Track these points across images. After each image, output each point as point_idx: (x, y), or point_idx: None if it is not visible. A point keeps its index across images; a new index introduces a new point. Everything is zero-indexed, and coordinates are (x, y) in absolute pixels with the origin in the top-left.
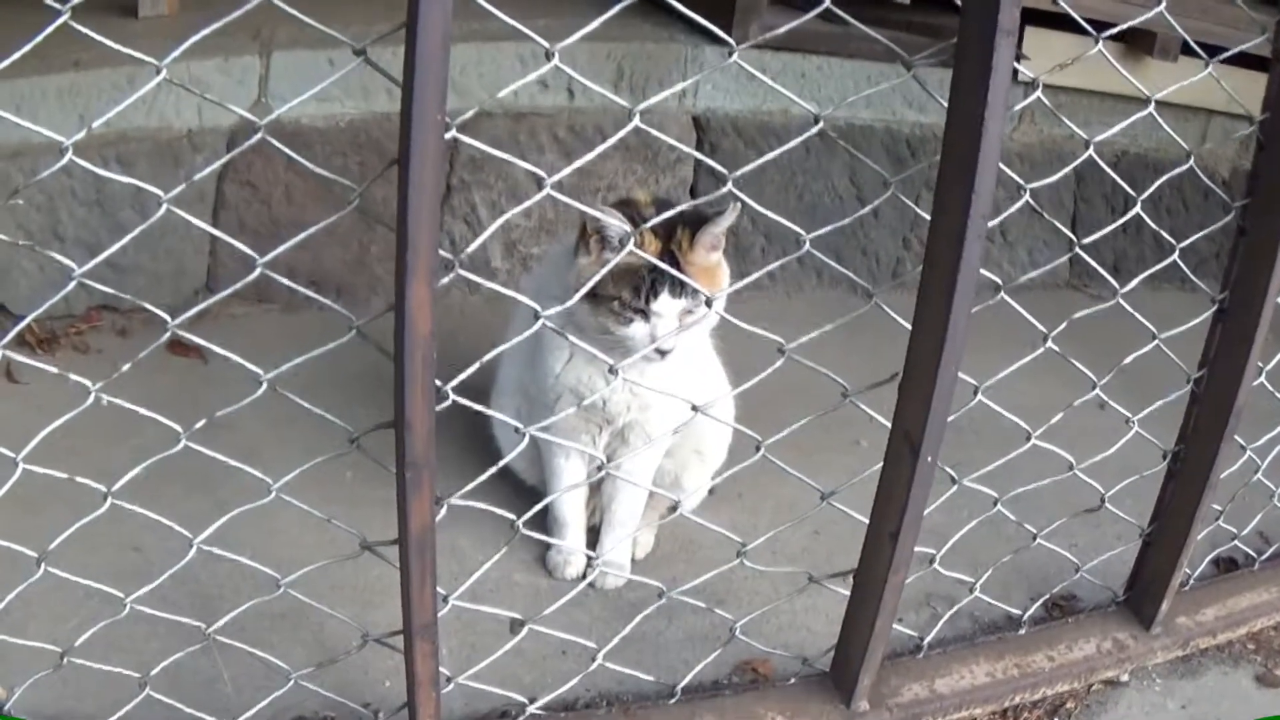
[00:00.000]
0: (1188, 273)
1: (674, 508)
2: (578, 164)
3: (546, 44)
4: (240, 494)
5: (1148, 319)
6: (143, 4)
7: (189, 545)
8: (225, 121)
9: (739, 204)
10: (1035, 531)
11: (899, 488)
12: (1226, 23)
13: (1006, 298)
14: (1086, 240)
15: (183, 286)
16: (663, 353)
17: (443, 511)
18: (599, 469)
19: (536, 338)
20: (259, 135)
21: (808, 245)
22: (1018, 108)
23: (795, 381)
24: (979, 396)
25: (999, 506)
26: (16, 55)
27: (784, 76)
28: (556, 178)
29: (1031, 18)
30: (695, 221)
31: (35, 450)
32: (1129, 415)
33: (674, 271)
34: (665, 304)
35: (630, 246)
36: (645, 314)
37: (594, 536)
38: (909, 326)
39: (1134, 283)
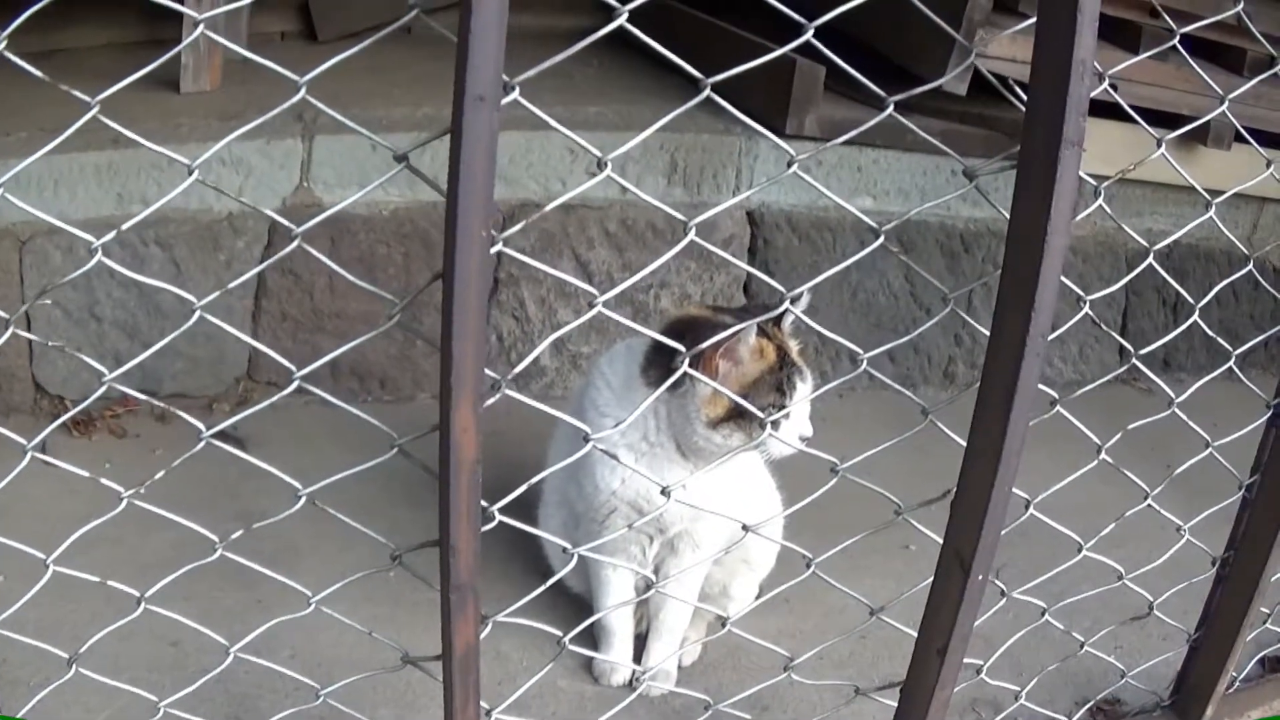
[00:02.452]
0: (1239, 375)
1: (723, 622)
2: (625, 285)
3: (598, 152)
4: (280, 591)
5: (1198, 412)
6: (184, 79)
7: (226, 650)
8: (267, 206)
9: (809, 295)
10: (1083, 640)
11: (948, 605)
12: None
13: (1062, 411)
14: (1144, 351)
15: (223, 374)
16: (807, 439)
17: (488, 629)
18: (648, 585)
19: (589, 454)
20: (294, 244)
21: (864, 364)
22: (1079, 217)
23: (845, 487)
24: (1030, 510)
25: (1047, 617)
26: (50, 146)
27: (840, 169)
28: (607, 295)
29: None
30: (776, 315)
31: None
32: (1180, 523)
33: (799, 361)
34: (800, 394)
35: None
36: (787, 412)
37: (640, 643)
38: (961, 442)
39: (1191, 389)
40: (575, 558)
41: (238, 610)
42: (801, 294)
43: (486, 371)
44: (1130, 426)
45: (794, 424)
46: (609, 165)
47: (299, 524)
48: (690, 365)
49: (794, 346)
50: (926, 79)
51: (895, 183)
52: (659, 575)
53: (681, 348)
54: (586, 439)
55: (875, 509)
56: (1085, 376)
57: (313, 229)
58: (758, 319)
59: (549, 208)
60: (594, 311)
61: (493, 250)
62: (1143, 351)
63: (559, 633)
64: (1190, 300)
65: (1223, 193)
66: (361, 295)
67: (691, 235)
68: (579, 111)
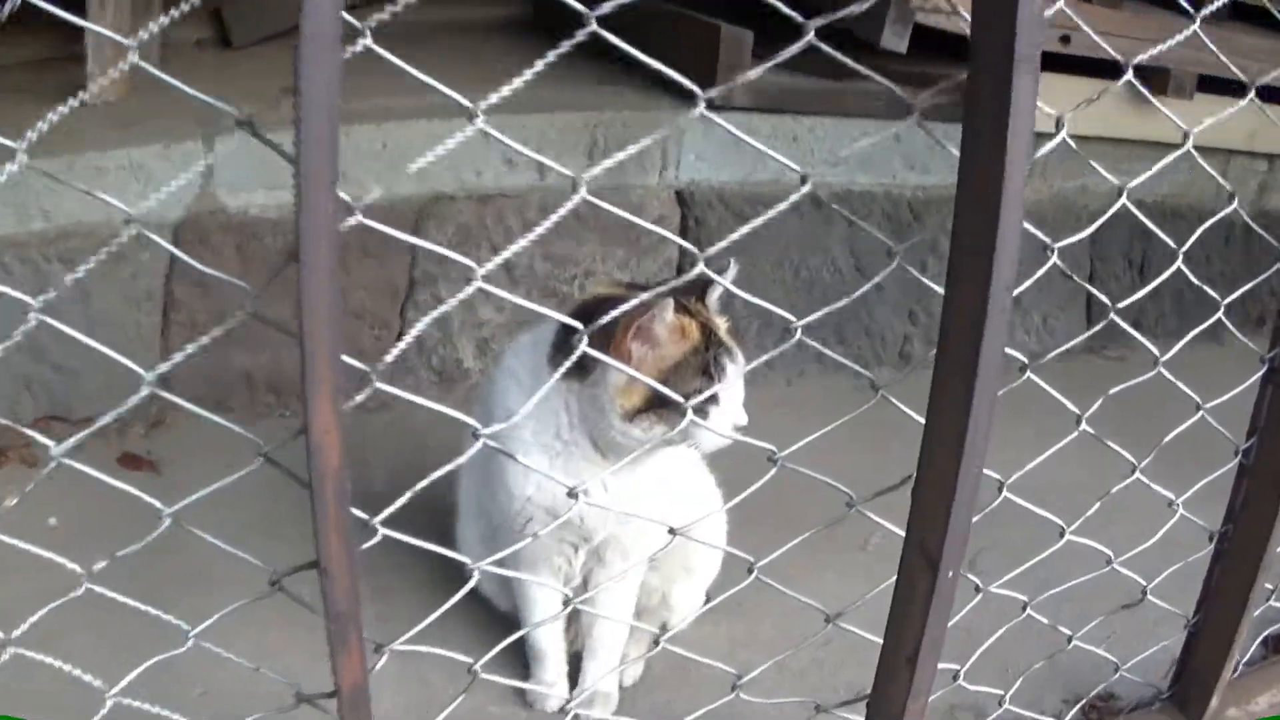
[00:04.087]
0: (1233, 330)
1: (657, 641)
2: (507, 254)
3: (469, 103)
4: (188, 617)
5: (1181, 379)
6: (91, 90)
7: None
8: (170, 214)
9: (735, 264)
10: (1070, 633)
11: (915, 607)
12: (1244, 53)
13: (1034, 377)
14: (1122, 304)
15: (135, 392)
16: (742, 428)
17: (383, 659)
18: (576, 595)
19: (499, 456)
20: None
21: (799, 334)
22: (1040, 153)
23: (797, 481)
24: (1004, 494)
25: (1029, 611)
26: None
27: (774, 140)
28: (487, 268)
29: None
30: (698, 290)
31: None
32: (1172, 497)
33: (730, 341)
34: (733, 375)
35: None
36: (716, 398)
37: (577, 663)
38: (920, 420)
39: (1177, 347)
40: (494, 574)
41: (144, 644)
42: (728, 263)
43: (356, 364)
44: (1112, 391)
45: (725, 412)
46: (480, 117)
47: (211, 547)
48: (598, 348)
49: (722, 324)
50: (864, 39)
51: (833, 151)
52: (589, 587)
53: (580, 326)
54: (479, 436)
55: (831, 504)
56: (1050, 349)
57: (219, 235)
58: (673, 289)
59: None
60: (473, 288)
61: (351, 222)
62: (1120, 305)
63: (469, 659)
64: (1178, 255)
65: (1194, 147)
66: (276, 299)
67: (582, 194)
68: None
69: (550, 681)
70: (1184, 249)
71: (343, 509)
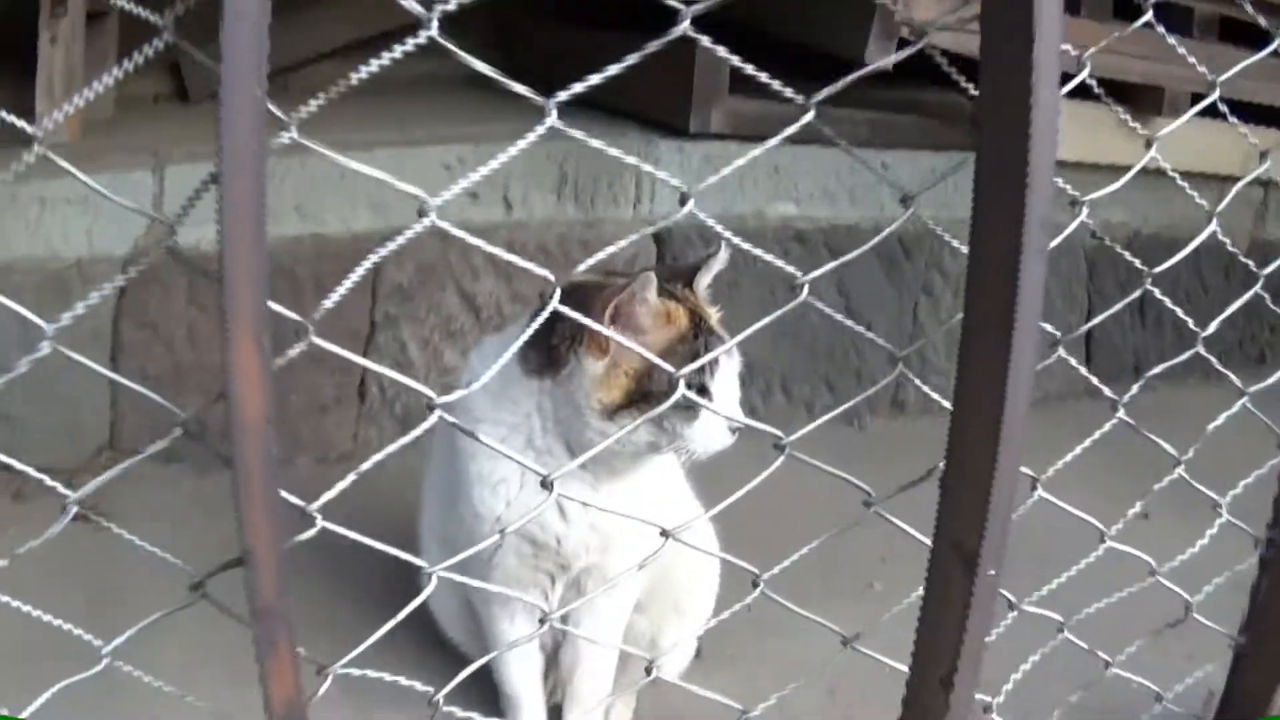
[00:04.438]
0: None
1: (648, 669)
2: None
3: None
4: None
5: (1172, 419)
6: (40, 128)
7: None
8: (118, 249)
9: (729, 247)
10: (1109, 660)
11: (950, 615)
12: (1243, 72)
13: (1068, 358)
14: (1207, 332)
15: (83, 444)
16: (735, 432)
17: (326, 683)
18: (554, 641)
19: (464, 472)
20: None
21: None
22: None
23: (790, 525)
24: (1038, 492)
25: (1066, 634)
26: None
27: (755, 170)
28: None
29: None
30: (686, 274)
31: None
32: (1216, 498)
33: (720, 331)
34: (725, 370)
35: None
36: (707, 391)
37: (556, 715)
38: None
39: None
40: (464, 616)
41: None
42: (718, 247)
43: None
44: (1210, 427)
45: (718, 409)
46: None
47: (158, 599)
48: (572, 337)
49: (713, 314)
50: (844, 57)
51: (819, 183)
52: (567, 633)
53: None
54: (433, 405)
55: (829, 550)
56: (1049, 393)
57: (166, 273)
58: (657, 271)
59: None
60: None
61: (287, 137)
62: (1206, 333)
63: (428, 689)
64: (1147, 276)
65: (1186, 173)
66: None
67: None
68: (457, 133)
69: None
70: (1154, 271)
71: (268, 477)
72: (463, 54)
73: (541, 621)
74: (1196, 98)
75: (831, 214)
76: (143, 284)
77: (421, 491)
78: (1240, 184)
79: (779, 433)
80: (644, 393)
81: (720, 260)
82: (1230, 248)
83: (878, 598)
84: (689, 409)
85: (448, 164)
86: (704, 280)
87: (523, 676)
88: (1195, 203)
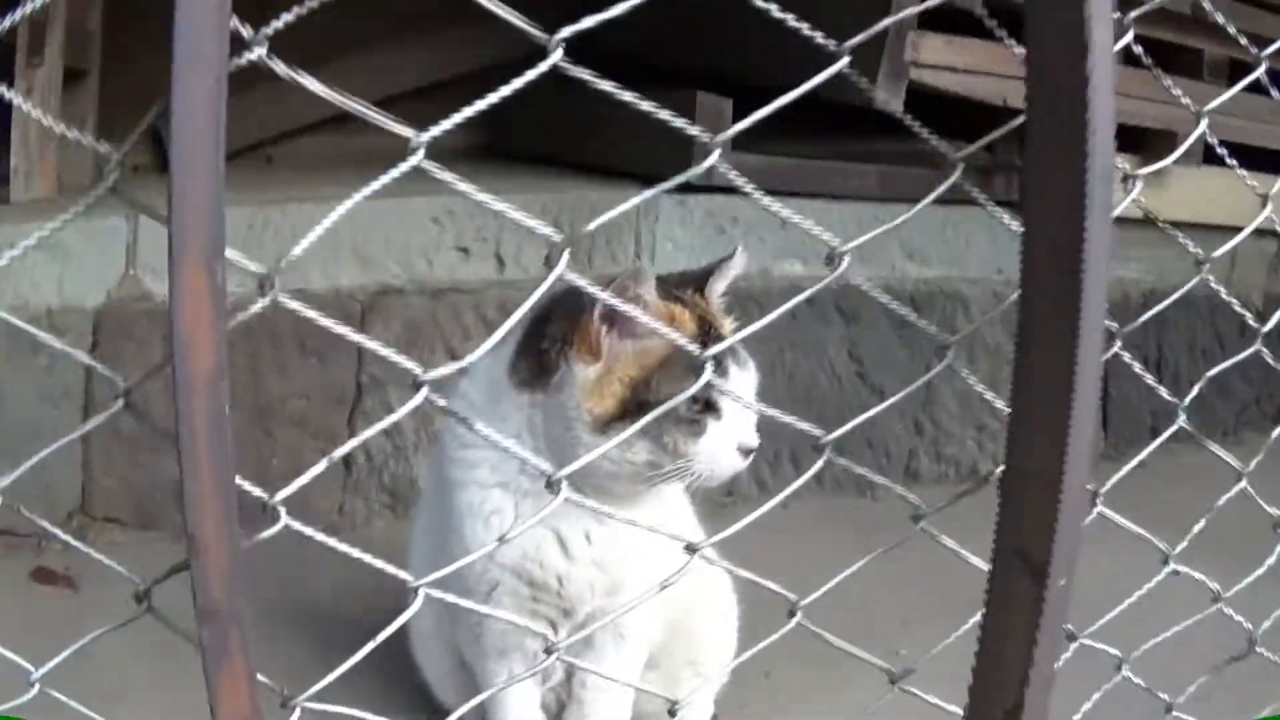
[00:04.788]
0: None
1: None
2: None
3: (417, 368)
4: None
5: (1190, 481)
6: (15, 186)
7: None
8: (90, 300)
9: (743, 250)
10: (1169, 701)
11: (1016, 636)
12: (1247, 114)
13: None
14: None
15: (54, 508)
16: (750, 451)
17: (294, 716)
18: (559, 704)
19: (453, 507)
20: None
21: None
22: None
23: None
24: (1098, 508)
25: (1125, 671)
26: None
27: (761, 227)
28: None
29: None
30: (698, 279)
31: None
32: (1275, 512)
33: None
34: (741, 382)
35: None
36: (715, 406)
37: None
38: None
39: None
40: (457, 679)
41: None
42: (735, 249)
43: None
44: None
45: (728, 428)
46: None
47: (132, 663)
48: (562, 343)
49: (727, 324)
50: (854, 105)
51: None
52: (573, 686)
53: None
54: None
55: (848, 613)
56: None
57: (143, 324)
58: (666, 278)
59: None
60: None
61: (254, 56)
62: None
63: None
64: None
65: (1198, 225)
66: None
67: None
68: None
69: None
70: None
71: (218, 445)
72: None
73: (548, 652)
74: (1211, 153)
75: (841, 273)
76: (116, 337)
77: (408, 548)
78: (1240, 235)
79: (818, 431)
80: (640, 403)
81: (736, 265)
82: (1225, 296)
83: (904, 662)
84: (693, 423)
85: (436, 217)
86: (718, 286)
87: None
88: (1212, 257)
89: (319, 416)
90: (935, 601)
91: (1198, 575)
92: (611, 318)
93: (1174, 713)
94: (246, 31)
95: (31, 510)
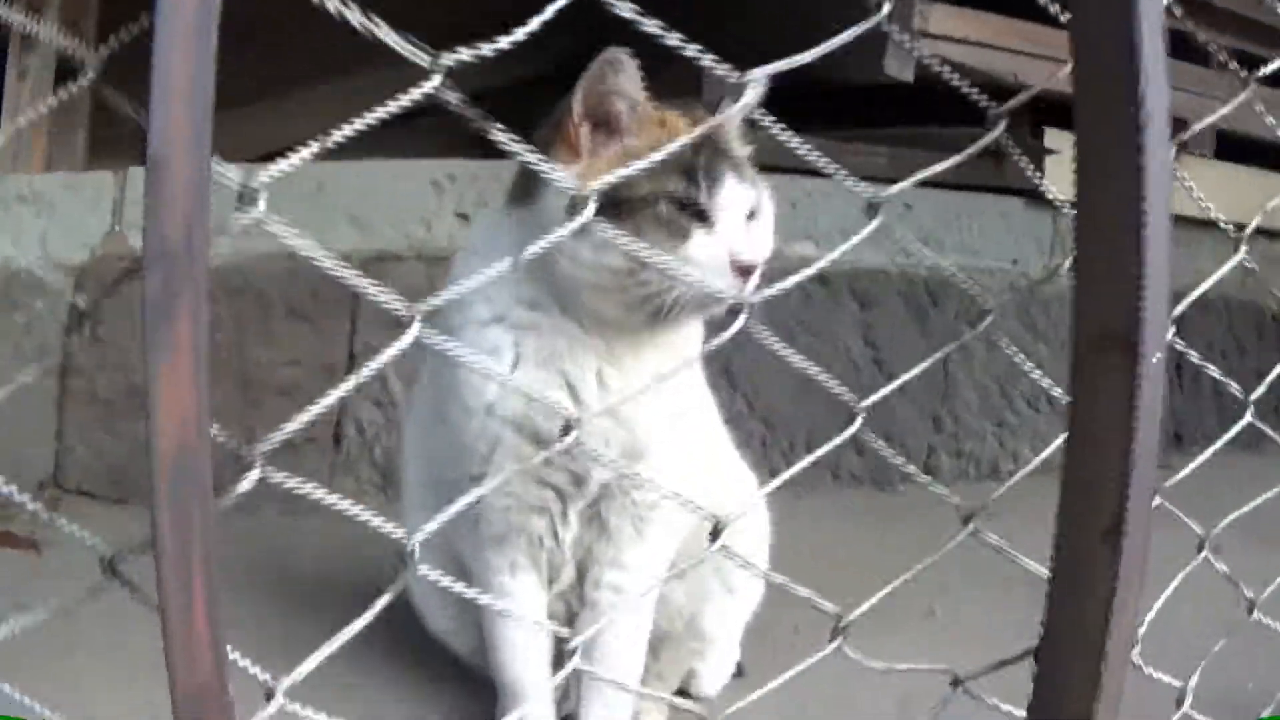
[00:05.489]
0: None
1: (684, 692)
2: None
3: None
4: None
5: (1217, 488)
6: (3, 161)
7: None
8: (74, 257)
9: (760, 84)
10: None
11: (1110, 424)
12: (1264, 104)
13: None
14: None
15: (23, 478)
16: (749, 270)
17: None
18: (567, 611)
19: (449, 362)
20: None
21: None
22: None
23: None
24: (1158, 499)
25: (1187, 709)
26: None
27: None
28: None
29: (1050, 115)
30: (709, 105)
31: None
32: None
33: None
34: (732, 194)
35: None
36: (705, 216)
37: None
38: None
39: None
40: (450, 599)
41: None
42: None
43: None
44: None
45: (721, 240)
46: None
47: (95, 620)
48: (546, 147)
49: (740, 148)
50: (859, 82)
51: (838, 221)
52: (585, 593)
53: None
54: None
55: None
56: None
57: (124, 284)
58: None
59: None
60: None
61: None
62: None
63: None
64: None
65: (1207, 222)
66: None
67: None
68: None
69: None
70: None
71: (194, 319)
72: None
73: (567, 615)
74: (1222, 135)
75: (854, 256)
76: (97, 296)
77: (402, 460)
78: (1250, 226)
79: (850, 396)
80: (617, 201)
81: (754, 93)
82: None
83: (938, 624)
84: (674, 226)
85: (436, 180)
86: (733, 115)
87: (527, 657)
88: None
89: (309, 386)
90: (969, 572)
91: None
92: (594, 115)
93: (1255, 613)
94: None
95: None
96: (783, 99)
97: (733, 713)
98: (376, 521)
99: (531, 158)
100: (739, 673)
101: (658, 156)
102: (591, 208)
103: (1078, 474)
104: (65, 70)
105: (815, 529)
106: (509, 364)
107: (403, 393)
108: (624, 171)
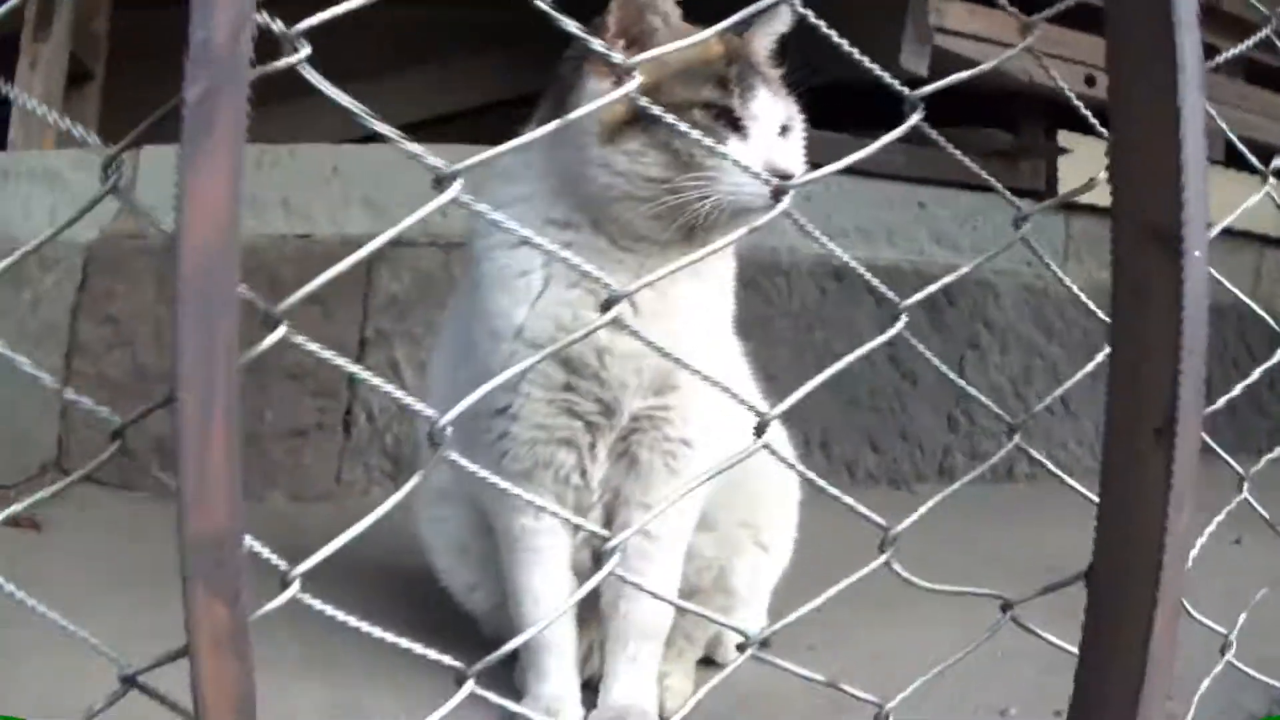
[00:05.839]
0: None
1: (740, 647)
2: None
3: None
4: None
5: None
6: (15, 136)
7: None
8: (84, 235)
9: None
10: None
11: (1158, 321)
12: (1264, 111)
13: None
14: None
15: (27, 459)
16: (785, 179)
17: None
18: (595, 555)
19: (480, 281)
20: None
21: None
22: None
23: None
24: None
25: (1230, 656)
26: None
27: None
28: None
29: (1065, 118)
30: (738, 26)
31: None
32: None
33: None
34: (765, 105)
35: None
36: (740, 125)
37: (591, 696)
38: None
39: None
40: (467, 556)
41: None
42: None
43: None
44: None
45: (755, 147)
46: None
47: (87, 593)
48: (579, 61)
49: (767, 67)
50: (880, 90)
51: (854, 219)
52: (613, 531)
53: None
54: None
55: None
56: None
57: (137, 262)
58: None
59: None
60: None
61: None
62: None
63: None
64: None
65: (1223, 230)
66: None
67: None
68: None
69: (556, 695)
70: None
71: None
72: None
73: (595, 560)
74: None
75: (869, 254)
76: (106, 274)
77: (426, 396)
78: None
79: (895, 298)
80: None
81: (782, 19)
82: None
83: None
84: (709, 132)
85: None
86: (761, 38)
87: (548, 606)
88: (1232, 263)
89: (317, 372)
90: (984, 565)
91: None
92: (628, 33)
93: None
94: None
95: (3, 463)
96: (805, 99)
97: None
98: (408, 400)
99: (572, 25)
100: (766, 644)
101: (701, 37)
102: (638, 78)
103: (1124, 374)
104: (76, 61)
105: (833, 528)
106: (539, 285)
107: (415, 381)
108: (663, 49)
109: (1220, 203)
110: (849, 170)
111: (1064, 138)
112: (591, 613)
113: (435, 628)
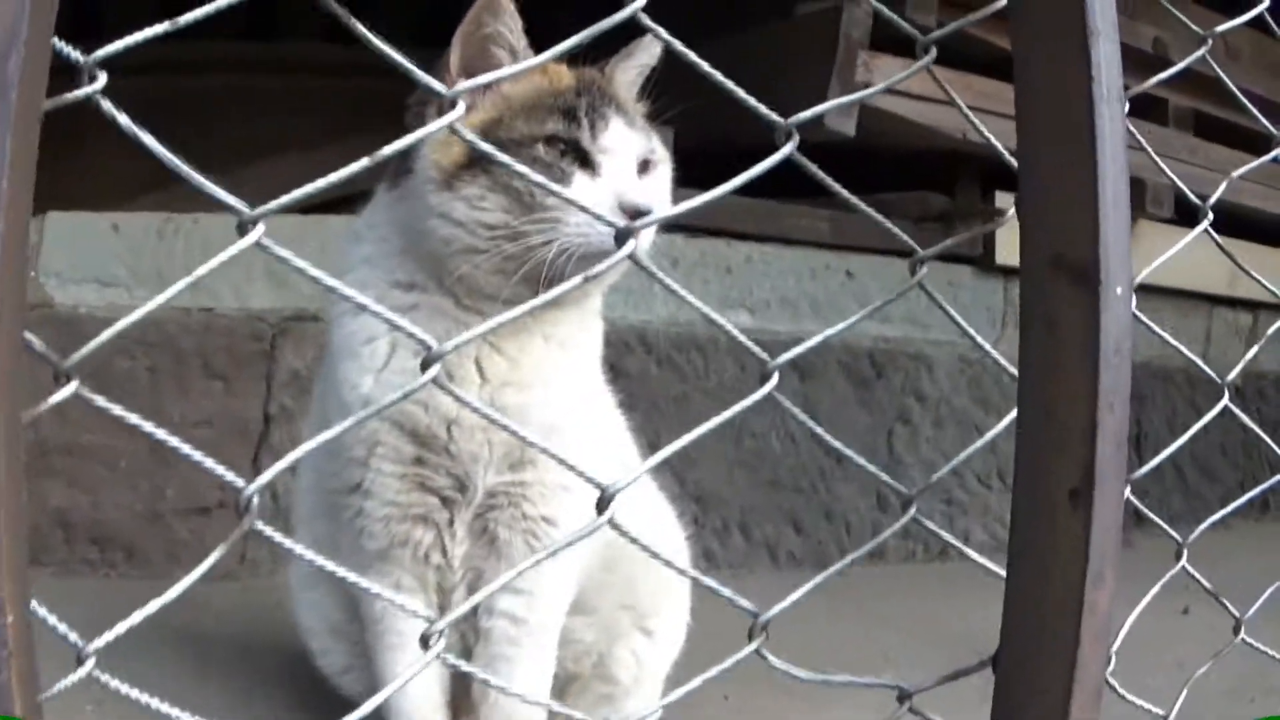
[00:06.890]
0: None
1: None
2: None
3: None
4: None
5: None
6: None
7: None
8: None
9: (661, 43)
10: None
11: (1060, 576)
12: (1215, 165)
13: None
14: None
15: None
16: (638, 215)
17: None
18: (463, 642)
19: (332, 352)
20: None
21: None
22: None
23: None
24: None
25: (1242, 635)
26: None
27: (704, 268)
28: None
29: (1003, 178)
30: (601, 62)
31: None
32: None
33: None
34: (620, 138)
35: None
36: (588, 159)
37: None
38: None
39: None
40: (340, 637)
41: None
42: (643, 40)
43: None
44: None
45: (607, 186)
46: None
47: None
48: (420, 106)
49: (627, 98)
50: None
51: (776, 289)
52: (479, 623)
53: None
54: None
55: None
56: None
57: (40, 335)
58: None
59: None
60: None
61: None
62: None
63: None
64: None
65: (1173, 291)
66: (103, 424)
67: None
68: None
69: None
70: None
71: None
72: None
73: (443, 554)
74: (1180, 198)
75: (793, 327)
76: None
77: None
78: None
79: (764, 356)
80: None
81: (647, 51)
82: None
83: (892, 671)
84: (553, 170)
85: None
86: (623, 72)
87: (421, 690)
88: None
89: (221, 449)
90: (914, 645)
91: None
92: (471, 68)
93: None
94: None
95: None
96: (721, 160)
97: None
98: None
99: (402, 61)
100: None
101: (534, 62)
102: (461, 107)
103: (1035, 425)
104: None
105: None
106: (385, 352)
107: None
108: (495, 75)
109: (1170, 263)
110: (771, 238)
111: (1001, 199)
112: (467, 698)
113: (319, 711)
